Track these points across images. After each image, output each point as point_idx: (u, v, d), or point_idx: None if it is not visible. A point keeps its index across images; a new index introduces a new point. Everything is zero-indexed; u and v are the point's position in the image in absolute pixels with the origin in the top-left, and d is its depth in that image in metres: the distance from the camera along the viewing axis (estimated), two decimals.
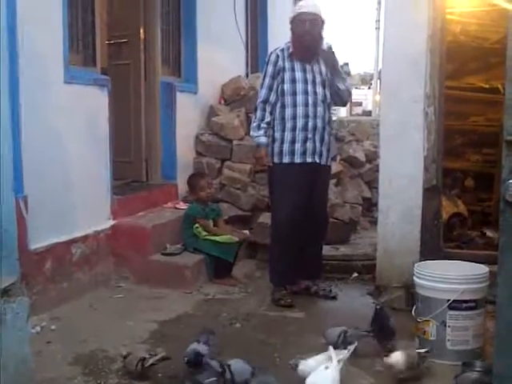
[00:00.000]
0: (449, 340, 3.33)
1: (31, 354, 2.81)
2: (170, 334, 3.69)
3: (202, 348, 3.05)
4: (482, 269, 3.45)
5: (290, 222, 4.28)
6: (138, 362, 3.05)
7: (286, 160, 4.30)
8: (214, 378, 2.87)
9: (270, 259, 4.53)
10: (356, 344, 3.21)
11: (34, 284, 3.77)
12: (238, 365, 2.98)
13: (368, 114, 20.81)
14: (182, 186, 5.61)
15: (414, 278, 3.52)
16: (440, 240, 4.35)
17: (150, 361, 3.08)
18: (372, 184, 6.62)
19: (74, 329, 3.71)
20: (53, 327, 3.72)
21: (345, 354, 3.03)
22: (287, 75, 4.30)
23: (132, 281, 4.63)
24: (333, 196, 5.88)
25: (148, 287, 4.52)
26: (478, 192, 5.96)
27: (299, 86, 4.29)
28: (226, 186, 5.71)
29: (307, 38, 4.27)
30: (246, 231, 5.26)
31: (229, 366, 2.94)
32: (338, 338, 3.37)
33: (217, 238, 4.88)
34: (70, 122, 4.24)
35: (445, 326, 3.33)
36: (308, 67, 4.35)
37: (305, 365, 3.00)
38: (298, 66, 4.33)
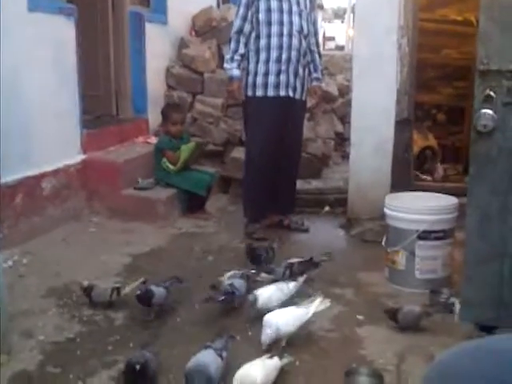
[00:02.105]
0: (417, 269, 3.42)
1: (4, 286, 2.81)
2: (143, 267, 3.70)
3: (158, 290, 3.01)
4: (451, 200, 3.51)
5: (263, 156, 4.27)
6: (112, 292, 3.07)
7: (259, 93, 4.25)
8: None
9: (244, 193, 4.54)
10: (305, 276, 3.27)
11: (4, 218, 3.72)
12: (237, 281, 3.13)
13: (341, 48, 20.55)
14: (153, 121, 5.53)
15: (385, 209, 3.57)
16: (410, 173, 4.40)
17: (127, 289, 3.11)
18: (345, 119, 6.60)
19: (46, 262, 3.70)
20: (25, 261, 3.70)
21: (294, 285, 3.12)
22: (262, 4, 4.18)
23: (104, 215, 4.60)
24: (305, 131, 5.86)
25: (120, 221, 4.50)
26: (449, 126, 6.01)
27: (274, 16, 4.18)
28: (198, 120, 5.64)
29: None
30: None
31: (233, 284, 3.08)
32: (284, 272, 3.40)
33: (181, 161, 4.81)
34: (36, 52, 4.10)
35: (414, 255, 3.41)
36: None
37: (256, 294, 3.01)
38: None
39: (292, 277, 3.30)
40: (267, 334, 2.65)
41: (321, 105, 6.29)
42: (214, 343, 2.50)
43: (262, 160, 4.29)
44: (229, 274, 3.31)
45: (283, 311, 2.80)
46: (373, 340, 2.86)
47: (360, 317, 3.11)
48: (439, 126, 5.97)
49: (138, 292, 2.98)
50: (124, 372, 2.39)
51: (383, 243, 3.61)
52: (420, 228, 3.36)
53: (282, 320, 2.70)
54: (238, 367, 2.37)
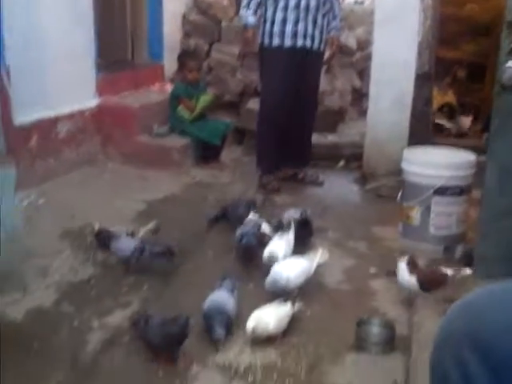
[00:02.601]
0: (432, 225, 3.40)
1: (20, 225, 2.83)
2: (157, 214, 3.69)
3: (125, 240, 2.99)
4: (470, 156, 3.47)
5: (278, 108, 4.21)
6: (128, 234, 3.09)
7: (275, 42, 4.15)
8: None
9: (257, 144, 4.50)
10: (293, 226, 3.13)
11: (20, 159, 3.68)
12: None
13: (361, 3, 20.09)
14: (169, 67, 5.44)
15: (402, 163, 3.53)
16: (429, 128, 4.34)
17: (141, 232, 3.13)
18: (363, 73, 6.49)
19: (61, 205, 3.71)
20: (40, 202, 3.71)
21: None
22: None
23: (119, 161, 4.58)
24: (322, 83, 5.76)
25: (135, 168, 4.48)
26: (469, 83, 5.89)
27: None
28: (215, 69, 5.56)
29: None
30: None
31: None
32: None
33: (197, 111, 4.78)
34: None
35: (429, 211, 3.38)
36: None
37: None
38: None
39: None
40: (276, 285, 2.64)
41: (336, 56, 6.17)
42: (223, 283, 2.53)
43: (277, 112, 4.23)
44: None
45: (292, 263, 2.79)
46: (385, 293, 2.87)
47: (373, 270, 3.12)
48: (459, 82, 5.85)
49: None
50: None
51: (398, 198, 3.58)
52: (437, 183, 3.32)
53: (293, 273, 2.69)
54: (250, 313, 2.40)
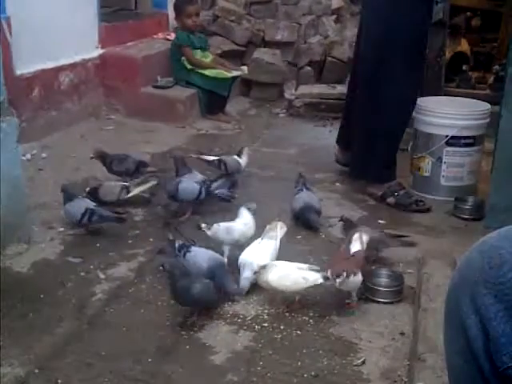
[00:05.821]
0: (443, 176, 3.33)
1: (23, 178, 2.78)
2: (162, 166, 3.63)
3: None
4: (483, 105, 3.37)
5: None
6: (121, 190, 3.01)
7: None
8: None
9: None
10: None
11: (22, 111, 3.63)
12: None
13: None
14: (174, 16, 5.29)
15: (414, 113, 3.44)
16: (442, 78, 4.22)
17: (135, 190, 3.02)
18: None
19: (65, 157, 3.68)
20: (44, 155, 3.68)
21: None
22: None
23: (123, 113, 4.53)
24: (331, 33, 5.64)
25: (139, 120, 4.42)
26: (484, 32, 5.71)
27: None
28: (220, 17, 5.41)
29: None
30: (245, 67, 5.01)
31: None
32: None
33: (206, 72, 4.67)
34: None
35: (441, 162, 3.31)
36: None
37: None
38: None
39: None
40: (247, 278, 2.34)
41: (347, 7, 5.98)
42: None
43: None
44: None
45: (257, 248, 2.45)
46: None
47: (381, 221, 3.07)
48: (473, 31, 5.67)
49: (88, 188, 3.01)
50: None
51: (409, 149, 3.50)
52: (449, 133, 3.23)
53: (260, 260, 2.35)
54: None
